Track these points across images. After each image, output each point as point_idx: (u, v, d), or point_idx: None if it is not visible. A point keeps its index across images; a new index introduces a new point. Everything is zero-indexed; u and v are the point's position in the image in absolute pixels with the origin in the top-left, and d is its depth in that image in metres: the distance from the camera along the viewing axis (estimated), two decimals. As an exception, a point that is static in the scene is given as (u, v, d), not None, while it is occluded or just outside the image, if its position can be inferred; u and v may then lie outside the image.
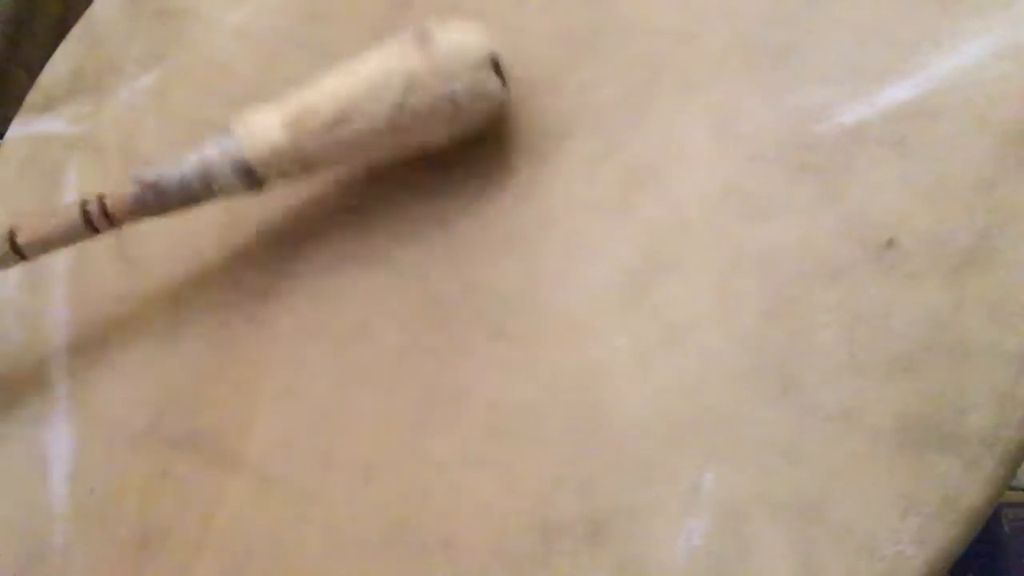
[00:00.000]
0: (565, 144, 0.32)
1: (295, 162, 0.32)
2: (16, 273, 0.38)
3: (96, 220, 0.33)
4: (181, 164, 0.32)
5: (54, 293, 0.38)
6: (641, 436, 0.28)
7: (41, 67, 0.44)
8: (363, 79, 0.31)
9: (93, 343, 0.37)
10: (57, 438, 0.35)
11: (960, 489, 0.24)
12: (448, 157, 0.33)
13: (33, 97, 0.43)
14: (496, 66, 0.31)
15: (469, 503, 0.29)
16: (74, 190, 0.40)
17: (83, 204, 0.33)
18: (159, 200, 0.32)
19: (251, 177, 0.32)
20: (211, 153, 0.32)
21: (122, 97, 0.41)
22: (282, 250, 0.35)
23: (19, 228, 0.33)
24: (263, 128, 0.31)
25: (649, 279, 0.29)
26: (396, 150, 0.33)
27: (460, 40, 0.31)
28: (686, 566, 0.26)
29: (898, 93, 0.28)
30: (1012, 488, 0.49)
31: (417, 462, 0.30)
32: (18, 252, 0.33)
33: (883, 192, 0.28)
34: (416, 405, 0.31)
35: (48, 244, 0.33)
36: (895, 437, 0.25)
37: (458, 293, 0.32)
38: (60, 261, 0.38)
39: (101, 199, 0.33)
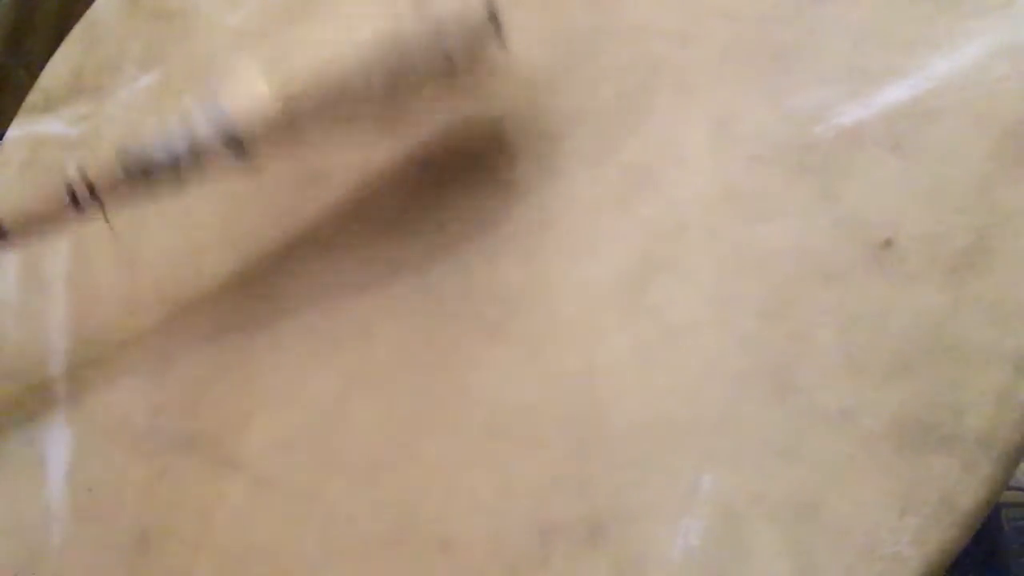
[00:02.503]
0: (564, 145, 0.32)
1: (287, 131, 0.31)
2: (15, 273, 0.39)
3: (81, 198, 0.31)
4: (167, 137, 0.31)
5: (54, 293, 0.38)
6: (639, 437, 0.28)
7: (41, 66, 0.44)
8: (356, 42, 0.30)
9: (92, 343, 0.37)
10: (56, 438, 0.35)
11: (958, 490, 0.24)
12: (448, 157, 0.33)
13: (33, 98, 0.43)
14: (495, 22, 0.30)
15: (467, 504, 0.29)
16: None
17: (68, 183, 0.31)
18: (146, 175, 0.31)
19: (240, 148, 0.31)
20: (198, 126, 0.30)
21: (121, 98, 0.41)
22: (282, 251, 0.35)
23: (4, 214, 0.32)
24: (252, 97, 0.30)
25: (647, 279, 0.29)
26: (391, 111, 0.32)
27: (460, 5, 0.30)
28: (684, 566, 0.26)
29: (896, 94, 0.28)
30: (1012, 488, 0.49)
31: (416, 462, 0.30)
32: (3, 236, 0.32)
33: (881, 193, 0.28)
34: (415, 405, 0.31)
35: (33, 224, 0.32)
36: (893, 438, 0.25)
37: (458, 294, 0.32)
38: (60, 262, 0.38)
39: (86, 176, 0.31)
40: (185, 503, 0.33)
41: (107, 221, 0.31)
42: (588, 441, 0.28)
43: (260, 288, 0.35)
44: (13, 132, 0.43)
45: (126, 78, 0.41)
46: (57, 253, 0.38)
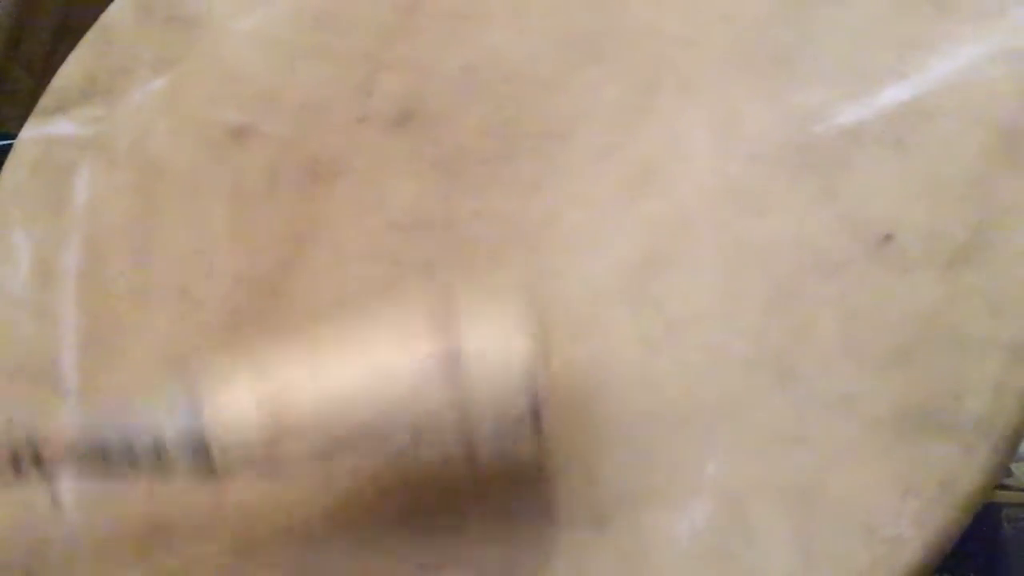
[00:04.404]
0: (569, 143, 0.33)
1: (264, 462, 0.27)
2: (28, 270, 0.39)
3: (24, 468, 0.28)
4: (130, 434, 0.27)
5: (64, 291, 0.38)
6: (645, 425, 0.28)
7: (41, 66, 0.44)
8: (367, 404, 0.26)
9: (102, 340, 0.37)
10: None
11: (957, 474, 0.25)
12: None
13: (45, 101, 0.44)
14: (535, 419, 0.26)
15: (475, 492, 0.29)
16: (85, 192, 0.41)
17: (13, 449, 0.28)
18: (101, 468, 0.28)
19: (207, 464, 0.27)
20: (171, 434, 0.27)
21: (134, 100, 0.42)
22: (292, 249, 0.36)
23: None
24: (236, 417, 0.26)
25: (651, 274, 0.30)
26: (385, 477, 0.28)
27: (499, 381, 0.25)
28: (689, 551, 0.26)
29: (895, 94, 0.29)
30: (1012, 488, 0.49)
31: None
32: None
33: (881, 190, 0.28)
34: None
35: None
36: (893, 424, 0.26)
37: (463, 287, 0.32)
38: (72, 258, 0.39)
39: (34, 448, 0.28)
40: (192, 495, 0.33)
41: (53, 496, 0.30)
42: (594, 430, 0.29)
43: (270, 285, 0.36)
44: (26, 134, 0.43)
45: (138, 81, 0.42)
46: (69, 249, 0.39)
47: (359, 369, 0.27)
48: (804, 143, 0.30)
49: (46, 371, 0.37)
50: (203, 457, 0.27)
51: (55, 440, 0.28)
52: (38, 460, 0.28)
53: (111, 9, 0.45)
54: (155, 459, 0.27)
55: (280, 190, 0.37)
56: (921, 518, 0.24)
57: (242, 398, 0.27)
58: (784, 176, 0.30)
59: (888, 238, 0.28)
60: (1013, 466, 0.48)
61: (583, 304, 0.30)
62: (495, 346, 0.26)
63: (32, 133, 0.43)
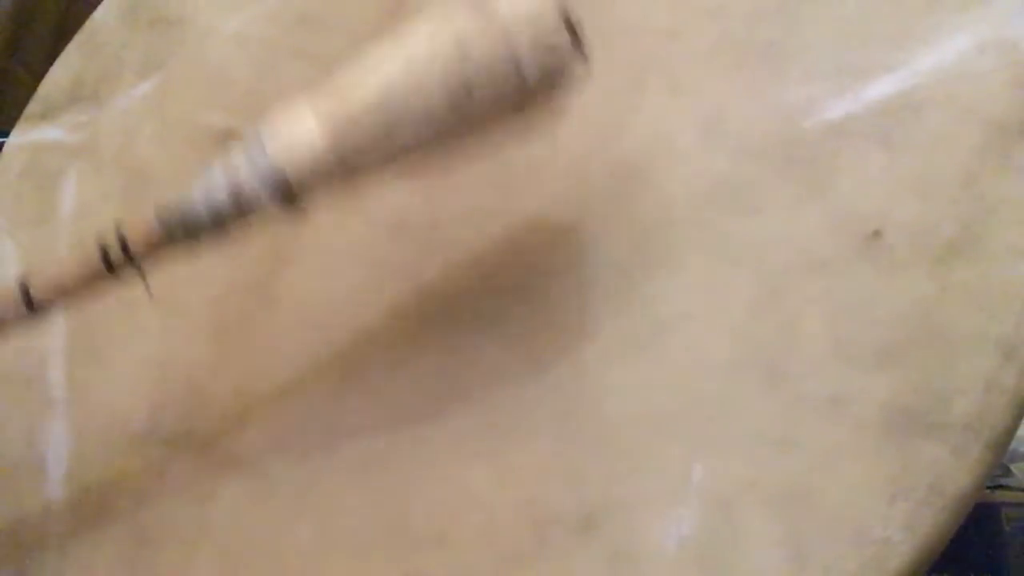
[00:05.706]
0: (552, 142, 0.32)
1: (340, 171, 0.27)
2: (15, 275, 0.39)
3: (115, 259, 0.28)
4: (209, 190, 0.27)
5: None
6: (631, 428, 0.28)
7: (42, 65, 0.44)
8: (412, 61, 0.27)
9: (91, 348, 0.37)
10: (55, 438, 0.35)
11: (947, 475, 0.24)
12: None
13: (32, 107, 0.44)
14: (570, 26, 0.26)
15: (461, 496, 0.29)
16: (72, 199, 0.41)
17: (101, 243, 0.28)
18: (186, 231, 0.28)
19: (289, 196, 0.27)
20: (243, 175, 0.27)
21: (120, 105, 0.42)
22: (280, 252, 0.36)
23: (31, 278, 0.29)
24: (300, 138, 0.27)
25: (639, 274, 0.30)
26: (454, 140, 0.28)
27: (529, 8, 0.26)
28: (676, 556, 0.26)
29: (883, 88, 0.29)
30: (1012, 488, 0.49)
31: (410, 457, 0.30)
32: (32, 306, 0.29)
33: (868, 185, 0.28)
34: (410, 401, 0.31)
35: (65, 291, 0.29)
36: (882, 425, 0.25)
37: (451, 294, 0.32)
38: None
39: (121, 233, 0.28)
40: (183, 501, 0.33)
41: (146, 286, 0.29)
42: (580, 433, 0.28)
43: (258, 288, 0.35)
44: (13, 140, 0.43)
45: (124, 86, 0.42)
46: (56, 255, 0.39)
47: (402, 56, 0.27)
48: (792, 138, 0.29)
49: (34, 380, 0.37)
50: (283, 188, 0.27)
51: (139, 223, 0.28)
52: (127, 250, 0.28)
53: (97, 12, 0.44)
54: (238, 207, 0.27)
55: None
56: (910, 521, 0.24)
57: (302, 119, 0.27)
58: (772, 172, 0.29)
59: (876, 234, 0.27)
60: (1013, 466, 0.48)
61: (570, 305, 0.30)
62: None
63: (19, 140, 0.43)
